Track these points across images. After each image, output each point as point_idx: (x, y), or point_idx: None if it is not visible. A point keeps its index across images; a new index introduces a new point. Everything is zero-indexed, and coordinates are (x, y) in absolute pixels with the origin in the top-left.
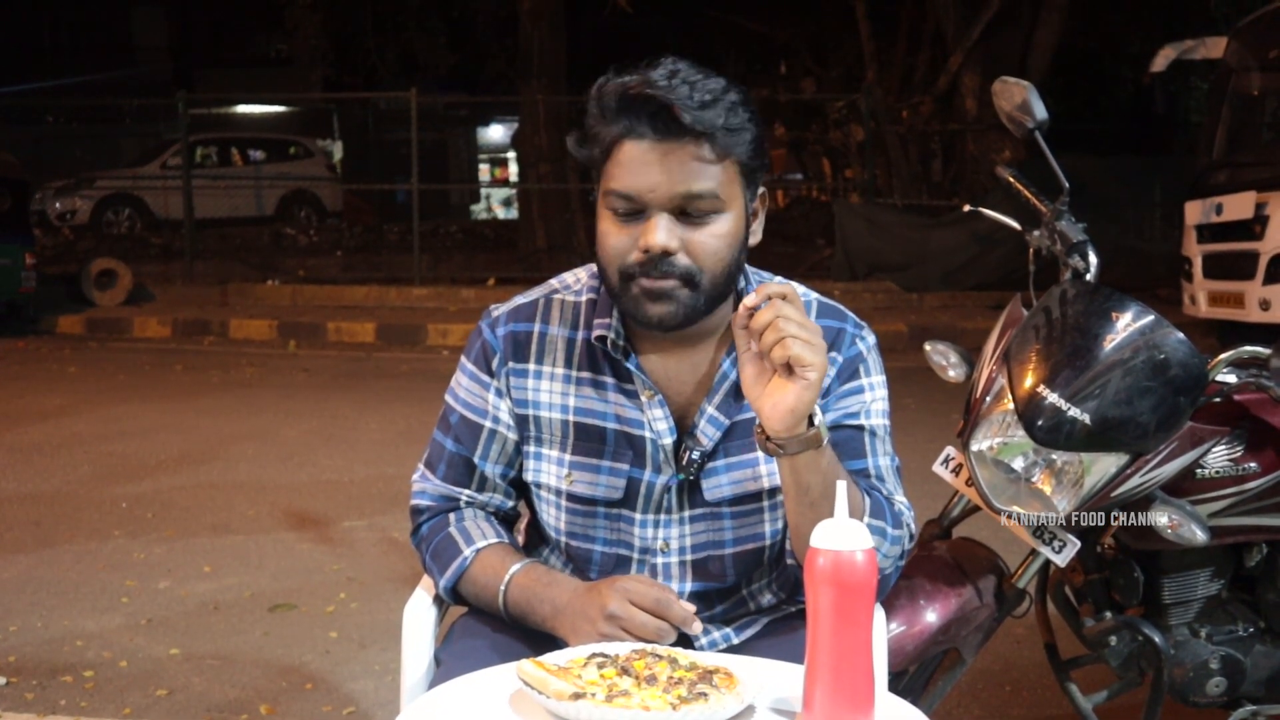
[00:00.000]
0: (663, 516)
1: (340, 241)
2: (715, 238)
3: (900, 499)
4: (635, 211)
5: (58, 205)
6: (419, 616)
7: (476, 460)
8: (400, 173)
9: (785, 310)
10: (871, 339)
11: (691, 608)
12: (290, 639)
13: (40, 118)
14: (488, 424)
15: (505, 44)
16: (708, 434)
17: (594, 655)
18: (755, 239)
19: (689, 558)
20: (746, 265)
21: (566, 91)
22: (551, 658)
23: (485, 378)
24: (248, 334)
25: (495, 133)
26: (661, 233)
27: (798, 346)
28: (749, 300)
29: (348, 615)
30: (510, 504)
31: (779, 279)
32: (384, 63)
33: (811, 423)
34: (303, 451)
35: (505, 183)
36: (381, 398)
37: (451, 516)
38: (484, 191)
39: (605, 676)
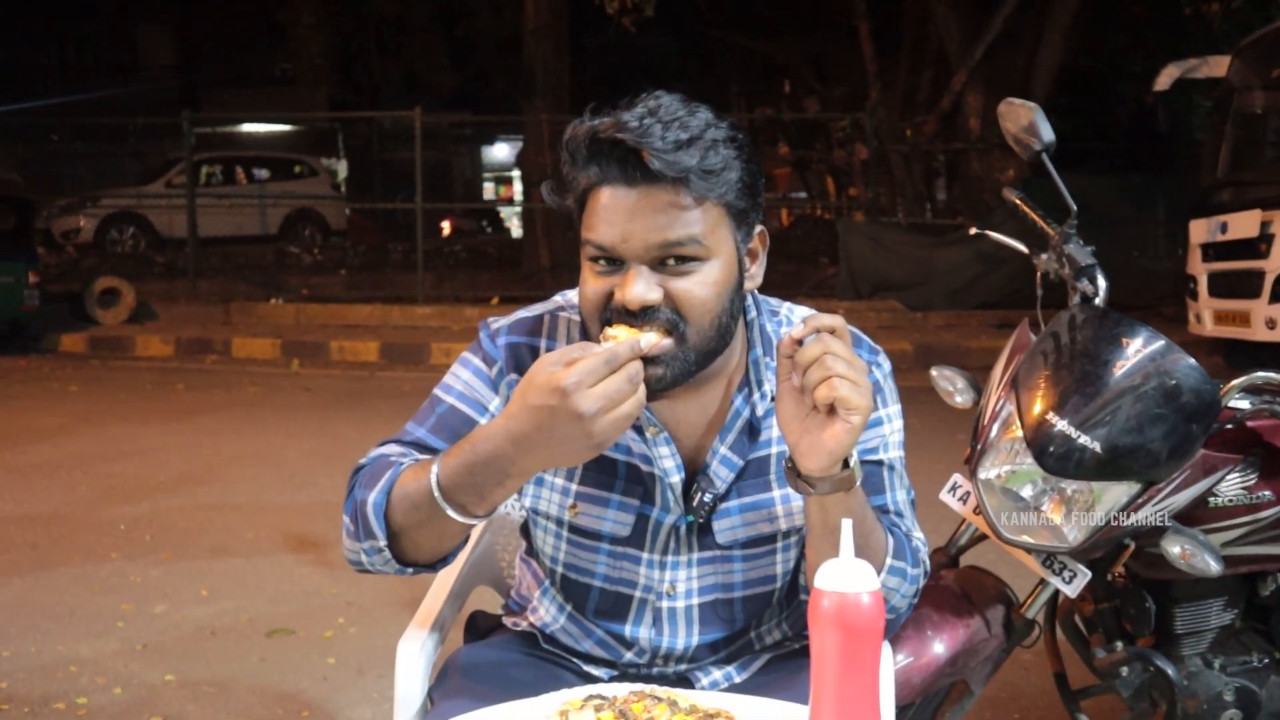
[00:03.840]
0: (670, 558)
1: (344, 260)
2: (701, 286)
3: (917, 535)
4: (614, 262)
5: (62, 223)
6: (413, 654)
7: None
8: (404, 192)
9: (834, 346)
10: (887, 366)
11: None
12: (287, 665)
13: (45, 136)
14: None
15: (509, 63)
16: (720, 475)
17: (591, 698)
18: (754, 283)
19: (695, 601)
20: (758, 295)
21: (570, 110)
22: (548, 700)
23: (489, 376)
24: (250, 353)
25: (500, 151)
26: (639, 285)
27: (845, 388)
28: (795, 332)
29: (346, 641)
30: None
31: (778, 306)
32: (388, 82)
33: (846, 464)
34: (304, 472)
35: (509, 201)
36: (384, 418)
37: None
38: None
39: None
